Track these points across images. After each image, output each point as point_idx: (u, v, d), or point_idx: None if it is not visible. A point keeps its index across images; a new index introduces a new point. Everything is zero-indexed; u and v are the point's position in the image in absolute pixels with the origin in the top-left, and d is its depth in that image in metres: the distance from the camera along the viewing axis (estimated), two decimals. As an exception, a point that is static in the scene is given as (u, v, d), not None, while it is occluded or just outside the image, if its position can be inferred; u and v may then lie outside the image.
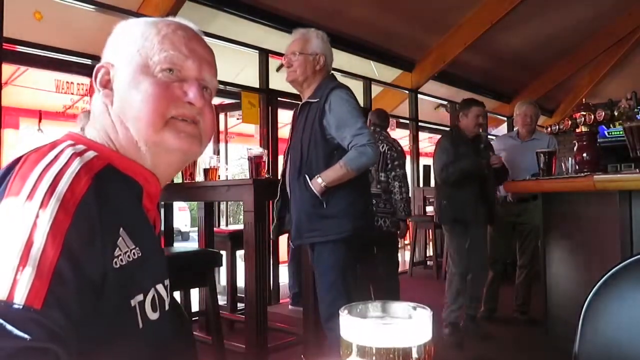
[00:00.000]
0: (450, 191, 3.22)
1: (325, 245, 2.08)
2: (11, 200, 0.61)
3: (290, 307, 4.20)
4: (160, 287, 0.77)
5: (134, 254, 0.69)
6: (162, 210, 3.55)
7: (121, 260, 0.66)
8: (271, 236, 2.36)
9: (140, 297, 0.71)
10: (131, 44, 0.79)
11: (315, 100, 2.14)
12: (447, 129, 7.53)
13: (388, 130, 3.74)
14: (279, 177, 2.28)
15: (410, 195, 3.56)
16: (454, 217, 3.23)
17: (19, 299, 0.55)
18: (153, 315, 0.73)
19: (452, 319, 3.25)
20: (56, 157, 0.66)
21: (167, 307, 0.79)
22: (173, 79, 0.78)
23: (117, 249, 0.66)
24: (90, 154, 0.70)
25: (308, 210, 2.08)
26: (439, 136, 10.87)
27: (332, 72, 2.33)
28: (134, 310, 0.69)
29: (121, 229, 0.68)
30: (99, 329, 0.64)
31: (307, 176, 2.07)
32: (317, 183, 2.04)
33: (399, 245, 8.37)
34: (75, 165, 0.65)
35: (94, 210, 0.63)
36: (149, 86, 0.75)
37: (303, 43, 2.22)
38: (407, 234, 8.45)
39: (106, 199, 0.66)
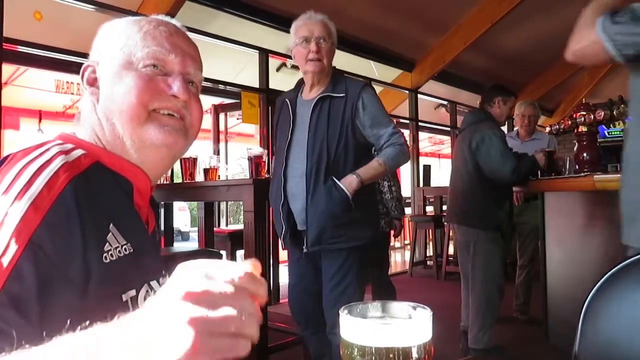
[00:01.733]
0: (499, 194, 2.85)
1: (343, 251, 1.98)
2: None
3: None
4: (155, 284, 0.78)
5: (125, 249, 0.69)
6: (162, 210, 3.55)
7: (111, 255, 0.67)
8: (282, 247, 2.19)
9: (132, 292, 0.71)
10: (115, 42, 0.79)
11: (340, 95, 1.99)
12: (448, 127, 7.55)
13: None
14: (281, 177, 2.06)
15: (402, 193, 3.50)
16: (499, 224, 2.85)
17: None
18: None
19: (487, 341, 2.82)
20: (39, 155, 0.66)
21: None
22: (157, 73, 0.78)
23: (107, 244, 0.67)
24: (78, 152, 0.71)
25: (336, 215, 1.94)
26: (439, 136, 10.81)
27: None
28: (126, 305, 0.70)
29: (111, 224, 0.69)
30: (89, 324, 0.64)
31: (334, 178, 1.94)
32: (354, 180, 1.92)
33: (398, 245, 8.40)
34: (56, 163, 0.66)
35: (72, 207, 0.63)
36: (131, 79, 0.76)
37: (328, 30, 2.07)
38: (403, 233, 8.47)
39: (91, 196, 0.67)
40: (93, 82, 0.80)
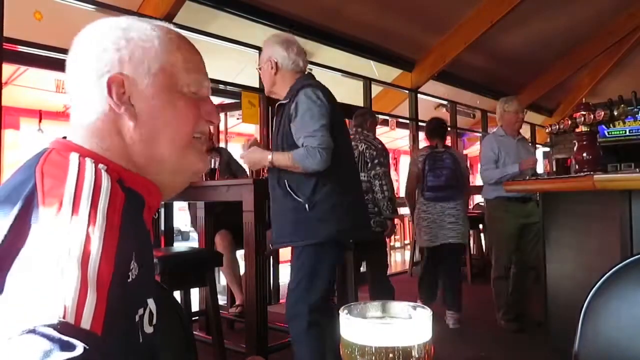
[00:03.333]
0: None
1: (297, 249, 2.11)
2: (53, 216, 0.57)
3: (290, 307, 4.19)
4: (155, 298, 0.75)
5: (136, 269, 0.65)
6: (162, 210, 3.54)
7: (133, 274, 0.63)
8: (271, 246, 2.30)
9: (141, 311, 0.69)
10: (151, 56, 0.73)
11: (286, 102, 2.16)
12: (448, 128, 7.55)
13: (388, 128, 3.72)
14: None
15: (395, 193, 3.50)
16: None
17: (86, 324, 0.52)
18: (149, 329, 0.72)
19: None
20: (81, 171, 0.62)
21: (154, 320, 0.76)
22: (197, 99, 0.78)
23: (133, 262, 0.63)
24: (101, 167, 0.66)
25: (289, 214, 2.09)
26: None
27: (312, 69, 2.31)
28: (137, 325, 0.67)
29: (134, 242, 0.65)
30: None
31: (286, 181, 2.09)
32: (266, 157, 2.13)
33: (398, 245, 8.39)
34: (106, 179, 0.62)
35: (129, 225, 0.61)
36: (184, 105, 0.75)
37: (260, 56, 2.30)
38: (403, 233, 8.45)
39: (131, 210, 0.64)
40: (121, 97, 0.72)
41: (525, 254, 3.59)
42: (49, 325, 0.49)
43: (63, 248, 0.55)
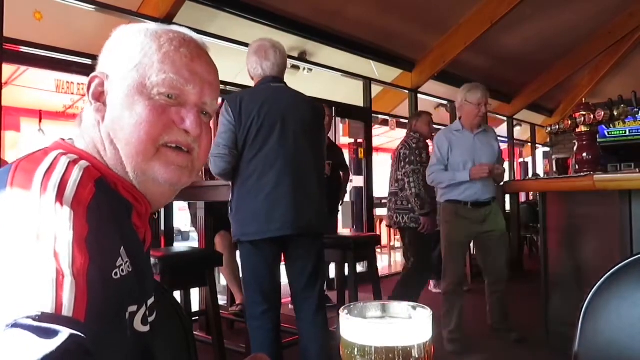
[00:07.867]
0: None
1: None
2: (19, 205, 0.58)
3: (290, 306, 4.19)
4: (149, 302, 0.75)
5: (128, 267, 0.65)
6: (162, 210, 3.54)
7: (120, 271, 0.63)
8: None
9: (132, 308, 0.68)
10: (129, 56, 0.73)
11: None
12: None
13: (388, 128, 3.78)
14: None
15: (425, 190, 3.51)
16: None
17: (67, 312, 0.52)
18: (142, 328, 0.71)
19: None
20: (53, 165, 0.63)
21: (148, 321, 0.75)
22: (171, 103, 0.73)
23: (120, 258, 0.63)
24: (84, 163, 0.67)
25: None
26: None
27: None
28: (125, 321, 0.67)
29: (120, 239, 0.66)
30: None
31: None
32: None
33: (398, 245, 8.38)
34: (77, 172, 0.63)
35: (100, 217, 0.61)
36: (143, 109, 0.71)
37: None
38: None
39: (107, 207, 0.64)
40: (99, 97, 0.74)
41: (493, 267, 3.19)
42: (29, 317, 0.49)
43: (31, 235, 0.55)
